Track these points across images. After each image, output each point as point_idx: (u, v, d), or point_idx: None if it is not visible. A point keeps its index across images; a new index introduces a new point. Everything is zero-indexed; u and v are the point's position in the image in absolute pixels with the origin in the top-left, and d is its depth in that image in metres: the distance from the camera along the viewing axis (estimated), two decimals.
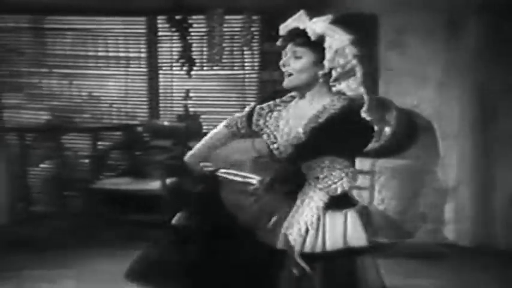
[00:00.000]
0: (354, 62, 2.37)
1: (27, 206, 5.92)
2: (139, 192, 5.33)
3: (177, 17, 5.85)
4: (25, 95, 6.15)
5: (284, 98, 2.52)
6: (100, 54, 6.09)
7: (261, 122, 2.50)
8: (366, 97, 2.38)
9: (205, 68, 5.96)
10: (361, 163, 5.36)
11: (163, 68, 6.09)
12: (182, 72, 5.98)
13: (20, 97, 6.14)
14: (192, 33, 5.91)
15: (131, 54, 6.10)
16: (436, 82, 5.34)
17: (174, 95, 6.12)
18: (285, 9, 5.52)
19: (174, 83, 6.11)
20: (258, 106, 2.55)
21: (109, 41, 6.08)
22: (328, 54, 2.34)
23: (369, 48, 5.46)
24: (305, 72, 2.39)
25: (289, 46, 2.40)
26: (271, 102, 2.52)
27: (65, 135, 6.03)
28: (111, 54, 6.09)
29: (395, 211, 5.50)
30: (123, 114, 6.17)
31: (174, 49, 6.02)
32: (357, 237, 2.40)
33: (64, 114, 6.13)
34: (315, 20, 2.39)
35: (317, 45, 2.36)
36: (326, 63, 2.35)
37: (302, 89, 2.43)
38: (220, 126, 2.68)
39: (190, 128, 5.67)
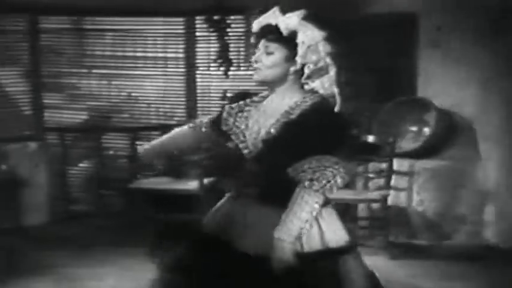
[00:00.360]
0: (327, 59, 2.34)
1: (67, 205, 6.01)
2: (177, 191, 5.36)
3: (215, 17, 5.87)
4: (65, 95, 6.24)
5: (254, 98, 2.49)
6: (139, 54, 6.14)
7: (231, 121, 2.46)
8: (338, 97, 2.35)
9: (242, 68, 5.96)
10: (399, 164, 5.33)
11: (201, 68, 6.12)
12: (220, 73, 6.00)
13: (60, 97, 6.23)
14: (230, 34, 5.93)
15: (169, 55, 6.14)
16: (477, 82, 5.26)
17: (211, 95, 6.14)
18: (324, 9, 5.52)
19: (212, 83, 6.13)
20: (228, 106, 2.52)
21: (148, 42, 6.13)
22: (301, 50, 2.31)
23: (408, 48, 5.40)
24: (276, 68, 2.35)
25: (262, 42, 2.36)
26: (241, 102, 2.49)
27: (104, 135, 6.10)
28: (149, 54, 6.14)
29: (435, 212, 5.47)
30: (161, 114, 6.22)
31: (211, 49, 6.04)
32: (336, 236, 2.32)
33: (103, 114, 6.20)
34: (287, 15, 2.34)
35: (289, 41, 2.32)
36: (298, 59, 2.32)
37: (273, 85, 2.40)
38: (185, 126, 2.67)
39: None
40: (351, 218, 5.26)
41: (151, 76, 6.17)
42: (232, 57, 5.94)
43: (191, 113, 6.13)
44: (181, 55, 6.11)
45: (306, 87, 2.36)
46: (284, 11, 2.36)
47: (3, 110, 5.95)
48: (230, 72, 5.96)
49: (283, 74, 2.36)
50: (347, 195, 4.98)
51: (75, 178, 6.13)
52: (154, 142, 2.67)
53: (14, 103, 6.07)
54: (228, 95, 6.01)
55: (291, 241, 2.22)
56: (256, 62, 2.37)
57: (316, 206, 2.24)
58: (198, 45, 6.08)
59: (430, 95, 5.35)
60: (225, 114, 2.50)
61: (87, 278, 4.41)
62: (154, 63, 6.16)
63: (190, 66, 6.10)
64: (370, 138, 5.26)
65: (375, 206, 5.25)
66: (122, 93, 6.21)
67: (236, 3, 5.72)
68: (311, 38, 2.31)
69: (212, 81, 6.12)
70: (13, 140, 5.81)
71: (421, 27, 5.35)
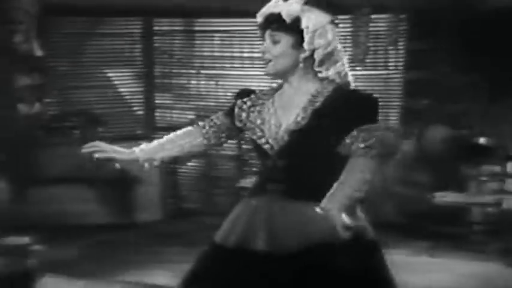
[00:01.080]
0: (336, 43, 2.29)
1: (179, 202, 6.16)
2: None
3: None
4: (175, 95, 6.41)
5: (265, 91, 2.41)
6: (245, 55, 6.22)
7: (244, 116, 2.37)
8: (353, 85, 2.31)
9: (348, 68, 5.91)
10: None
11: None
12: None
13: (170, 97, 6.40)
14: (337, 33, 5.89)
15: None
16: None
17: None
18: (433, 7, 5.40)
19: None
20: (240, 100, 2.43)
21: (254, 42, 6.20)
22: (307, 36, 2.25)
23: None
24: (286, 57, 2.28)
25: (267, 32, 2.31)
26: (252, 96, 2.41)
27: None
28: (255, 55, 6.21)
29: None
30: None
31: None
32: (370, 230, 2.25)
33: (209, 114, 6.31)
34: (289, 2, 2.29)
35: (294, 28, 2.26)
36: (305, 45, 2.25)
37: (285, 75, 2.32)
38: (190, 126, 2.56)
39: None
40: (463, 223, 5.14)
41: (256, 76, 6.23)
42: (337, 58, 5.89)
43: None
44: None
45: (320, 75, 2.30)
46: None
47: (117, 109, 6.18)
48: None
49: (293, 63, 2.29)
50: (460, 198, 4.86)
51: (186, 177, 6.29)
52: (153, 143, 2.50)
53: (127, 103, 6.30)
54: None
55: (338, 208, 2.12)
56: (264, 53, 2.34)
57: (368, 176, 2.16)
58: None
59: None
60: (237, 110, 2.41)
61: None
62: (260, 63, 6.21)
63: None
64: (483, 140, 5.13)
65: (490, 210, 5.11)
66: (228, 93, 6.31)
67: (341, 3, 5.68)
68: (316, 22, 2.25)
69: None
70: (126, 138, 5.99)
71: None
